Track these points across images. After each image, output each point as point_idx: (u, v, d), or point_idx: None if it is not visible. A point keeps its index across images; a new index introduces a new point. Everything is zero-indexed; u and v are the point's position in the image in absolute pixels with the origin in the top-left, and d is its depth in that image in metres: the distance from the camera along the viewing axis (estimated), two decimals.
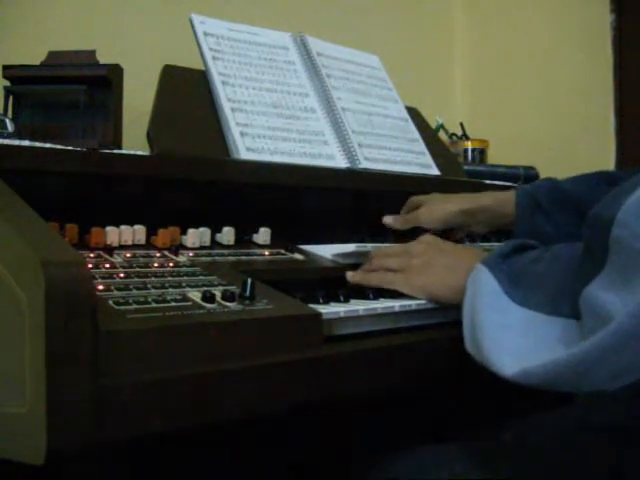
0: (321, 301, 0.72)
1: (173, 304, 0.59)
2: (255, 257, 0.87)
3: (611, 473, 0.66)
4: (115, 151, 0.91)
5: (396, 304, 0.76)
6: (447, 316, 0.81)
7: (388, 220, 1.10)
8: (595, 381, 0.56)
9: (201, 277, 0.70)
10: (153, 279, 0.67)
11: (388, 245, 0.91)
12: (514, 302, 0.65)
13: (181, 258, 0.79)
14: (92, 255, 0.74)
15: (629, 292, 0.53)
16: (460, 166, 1.48)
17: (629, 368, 0.54)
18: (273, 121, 1.10)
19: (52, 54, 1.11)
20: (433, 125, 1.62)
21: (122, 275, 0.66)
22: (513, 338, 0.62)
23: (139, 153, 0.89)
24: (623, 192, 0.57)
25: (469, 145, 1.75)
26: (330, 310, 0.68)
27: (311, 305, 0.69)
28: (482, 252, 0.78)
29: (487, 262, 0.69)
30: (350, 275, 0.85)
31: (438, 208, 1.06)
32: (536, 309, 0.63)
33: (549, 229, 1.00)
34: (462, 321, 0.69)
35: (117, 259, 0.74)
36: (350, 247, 0.92)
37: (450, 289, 0.76)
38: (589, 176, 1.03)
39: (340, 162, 1.15)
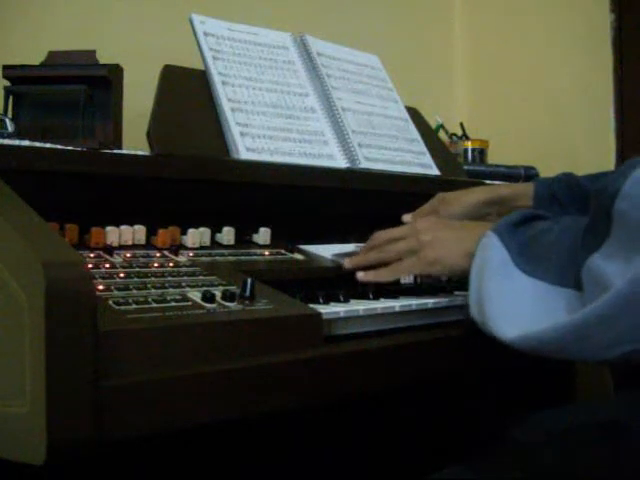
0: (321, 301, 0.72)
1: (173, 304, 0.59)
2: (255, 257, 0.87)
3: (611, 472, 0.66)
4: (115, 151, 0.91)
5: (396, 304, 0.76)
6: (447, 316, 0.82)
7: (407, 218, 1.08)
8: (593, 348, 0.57)
9: (201, 277, 0.70)
10: (153, 279, 0.67)
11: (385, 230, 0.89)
12: (522, 271, 0.66)
13: (181, 258, 0.79)
14: (92, 255, 0.74)
15: (630, 261, 0.54)
16: (460, 166, 1.48)
17: (629, 334, 0.55)
18: (273, 121, 1.10)
19: (52, 54, 1.11)
20: (433, 125, 1.62)
21: (122, 275, 0.66)
22: (518, 306, 0.63)
23: (139, 153, 0.89)
24: (628, 167, 0.58)
25: (469, 145, 1.75)
26: (330, 310, 0.69)
27: (311, 305, 0.69)
28: (487, 224, 0.78)
29: (497, 230, 0.70)
30: (361, 275, 0.83)
31: (457, 201, 1.05)
32: (543, 279, 0.64)
33: None
34: (469, 286, 0.70)
35: (117, 259, 0.74)
36: (350, 247, 0.92)
37: (464, 257, 0.76)
38: (605, 174, 1.03)
39: (340, 162, 1.15)
